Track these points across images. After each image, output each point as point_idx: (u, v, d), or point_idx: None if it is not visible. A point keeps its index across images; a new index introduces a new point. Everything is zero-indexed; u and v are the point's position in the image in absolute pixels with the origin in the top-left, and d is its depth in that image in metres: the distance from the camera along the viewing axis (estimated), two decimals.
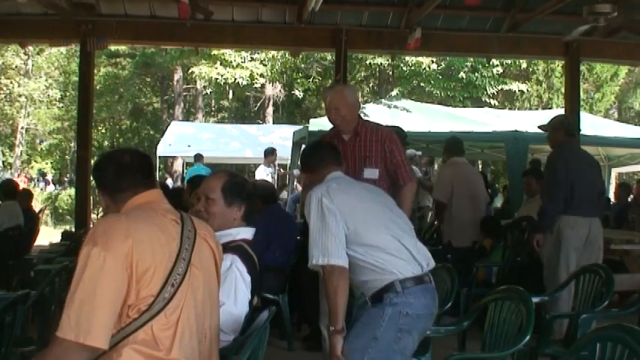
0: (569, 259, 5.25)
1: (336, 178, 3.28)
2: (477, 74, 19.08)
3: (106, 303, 2.01)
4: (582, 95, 16.99)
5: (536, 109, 20.58)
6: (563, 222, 5.28)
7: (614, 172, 15.96)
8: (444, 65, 19.14)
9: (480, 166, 21.86)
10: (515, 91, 20.41)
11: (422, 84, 19.75)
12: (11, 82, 24.14)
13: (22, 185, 14.36)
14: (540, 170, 7.70)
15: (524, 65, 20.39)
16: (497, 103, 20.24)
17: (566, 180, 5.23)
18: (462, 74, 19.06)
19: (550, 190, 5.34)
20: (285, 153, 13.91)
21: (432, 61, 18.31)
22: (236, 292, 2.78)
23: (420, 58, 17.68)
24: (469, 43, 9.05)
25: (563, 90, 13.51)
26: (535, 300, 3.51)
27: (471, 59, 18.11)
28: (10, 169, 25.14)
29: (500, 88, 19.80)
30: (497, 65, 18.72)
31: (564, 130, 5.55)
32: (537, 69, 20.98)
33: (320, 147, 3.70)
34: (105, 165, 2.36)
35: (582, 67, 15.75)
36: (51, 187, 23.88)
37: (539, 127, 6.01)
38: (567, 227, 5.26)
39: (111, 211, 2.32)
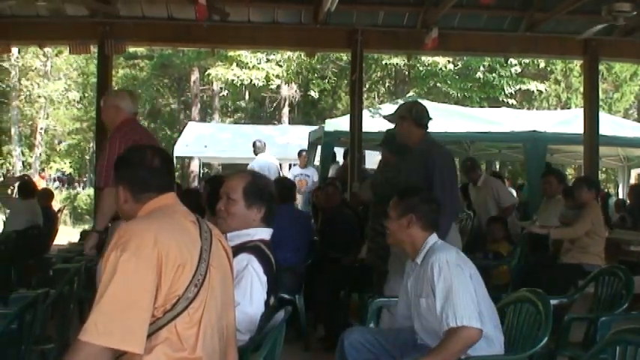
0: None
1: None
2: (494, 74, 18.96)
3: (141, 308, 2.02)
4: (601, 95, 16.83)
5: (555, 108, 20.42)
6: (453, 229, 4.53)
7: (634, 172, 15.82)
8: (460, 65, 19.03)
9: (498, 167, 21.74)
10: (533, 91, 20.26)
11: (438, 84, 19.66)
12: (31, 84, 24.36)
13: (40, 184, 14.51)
14: (560, 171, 7.67)
15: (542, 65, 20.24)
16: (515, 103, 20.09)
17: (454, 181, 4.65)
18: (479, 74, 18.94)
19: (446, 194, 4.32)
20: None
21: (449, 61, 18.21)
22: (252, 292, 2.79)
23: (437, 58, 17.60)
24: (487, 43, 9.01)
25: (581, 90, 13.41)
26: (554, 302, 3.48)
27: (489, 59, 18.00)
28: (30, 169, 25.37)
29: (518, 87, 19.65)
30: (516, 65, 18.57)
31: (412, 119, 4.63)
32: (556, 68, 20.81)
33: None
34: (135, 164, 2.35)
35: (601, 67, 15.60)
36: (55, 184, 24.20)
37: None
38: (454, 232, 4.57)
39: (128, 207, 2.34)
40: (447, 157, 4.64)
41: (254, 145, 11.00)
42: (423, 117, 4.68)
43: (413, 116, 4.63)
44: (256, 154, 10.92)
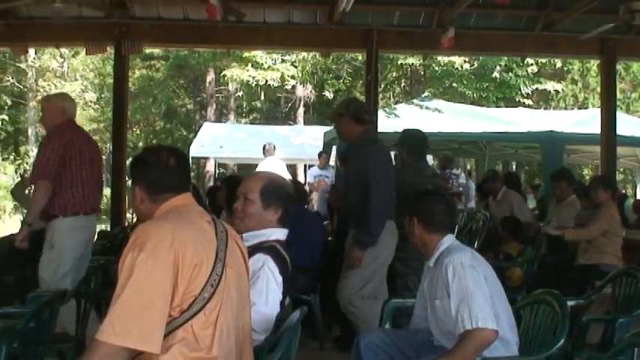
0: (384, 270, 4.70)
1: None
2: (510, 74, 18.84)
3: (157, 308, 2.04)
4: (619, 95, 16.69)
5: (572, 108, 20.27)
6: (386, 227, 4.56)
7: None
8: (476, 65, 18.94)
9: (514, 167, 21.62)
10: (550, 91, 20.12)
11: (454, 84, 19.59)
12: (48, 85, 24.54)
13: None
14: (569, 173, 7.64)
15: (559, 64, 20.10)
16: (531, 103, 19.95)
17: (391, 178, 4.64)
18: (495, 74, 18.84)
19: (380, 191, 4.44)
20: (315, 154, 13.87)
21: (465, 61, 18.13)
22: (267, 292, 2.79)
23: (453, 58, 17.53)
24: (503, 43, 8.96)
25: (599, 89, 13.31)
26: (570, 303, 3.46)
27: (505, 59, 17.91)
28: None
29: (534, 87, 19.51)
30: (532, 64, 18.45)
31: (349, 115, 4.65)
32: (572, 68, 20.66)
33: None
34: (151, 165, 2.36)
35: (618, 67, 15.48)
36: None
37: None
38: (388, 234, 4.60)
39: (145, 207, 2.35)
40: (381, 152, 4.66)
41: (263, 147, 11.66)
42: (361, 112, 4.73)
43: (350, 112, 4.68)
44: (265, 157, 11.45)
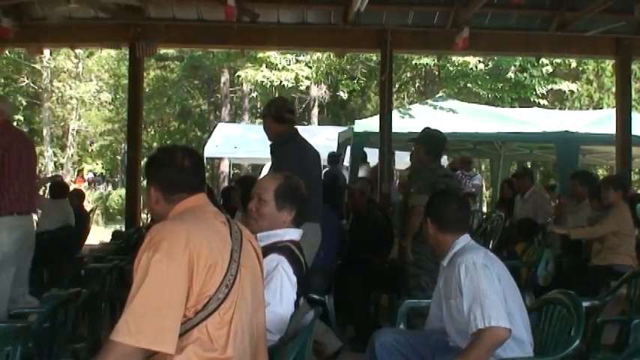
0: None
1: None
2: (525, 74, 18.73)
3: (172, 309, 2.05)
4: (634, 95, 16.55)
5: (587, 109, 20.12)
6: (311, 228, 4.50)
7: None
8: (491, 65, 18.85)
9: (530, 167, 21.48)
10: (565, 91, 19.98)
11: (469, 84, 19.49)
12: (63, 85, 24.72)
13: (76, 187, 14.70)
14: (586, 173, 7.58)
15: (573, 64, 19.96)
16: (546, 104, 19.82)
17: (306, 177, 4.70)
18: (510, 74, 18.73)
19: None
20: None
21: (480, 61, 18.05)
22: (281, 293, 2.80)
23: (467, 58, 17.47)
24: (517, 43, 8.94)
25: (614, 89, 13.20)
26: (585, 304, 3.44)
27: (520, 59, 17.80)
28: (62, 169, 25.74)
29: (549, 87, 19.38)
30: (547, 65, 18.32)
31: (270, 115, 4.70)
32: (587, 68, 20.50)
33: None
34: (166, 165, 2.36)
35: (634, 67, 15.33)
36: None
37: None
38: (307, 237, 4.63)
39: (160, 208, 2.36)
40: (290, 152, 4.63)
41: None
42: (281, 111, 4.73)
43: (272, 112, 4.72)
44: None
